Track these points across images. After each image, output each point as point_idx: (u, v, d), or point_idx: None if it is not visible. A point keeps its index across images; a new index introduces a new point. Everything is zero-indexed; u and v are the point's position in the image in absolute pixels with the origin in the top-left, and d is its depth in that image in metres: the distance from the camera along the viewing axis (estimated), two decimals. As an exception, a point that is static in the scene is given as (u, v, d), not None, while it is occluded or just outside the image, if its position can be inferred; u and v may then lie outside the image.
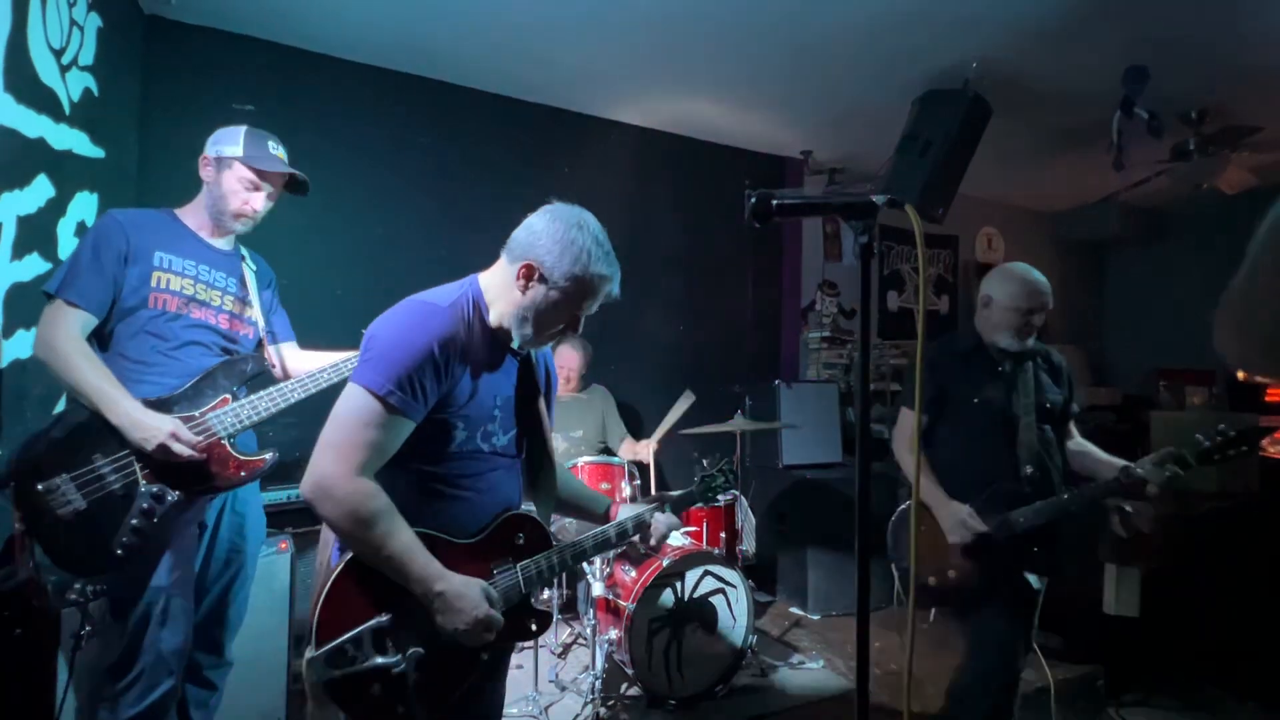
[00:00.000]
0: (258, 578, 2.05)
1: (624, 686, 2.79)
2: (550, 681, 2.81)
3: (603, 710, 2.58)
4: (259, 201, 1.88)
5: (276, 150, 1.90)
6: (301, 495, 1.17)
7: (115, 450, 1.61)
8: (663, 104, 3.88)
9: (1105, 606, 2.93)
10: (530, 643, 2.74)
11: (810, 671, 3.07)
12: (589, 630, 2.69)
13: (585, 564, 2.62)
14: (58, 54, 2.07)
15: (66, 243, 2.14)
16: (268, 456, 1.80)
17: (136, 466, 1.63)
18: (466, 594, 1.21)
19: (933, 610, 2.17)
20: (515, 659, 2.35)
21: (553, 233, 1.27)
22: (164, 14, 2.91)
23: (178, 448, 1.62)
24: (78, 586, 1.62)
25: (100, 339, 1.71)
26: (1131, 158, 3.58)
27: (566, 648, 3.18)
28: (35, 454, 1.56)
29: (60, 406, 1.98)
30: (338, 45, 3.24)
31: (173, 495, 1.66)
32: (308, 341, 2.15)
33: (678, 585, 2.66)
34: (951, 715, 2.04)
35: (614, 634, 2.65)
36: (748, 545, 3.41)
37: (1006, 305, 2.00)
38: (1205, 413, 4.35)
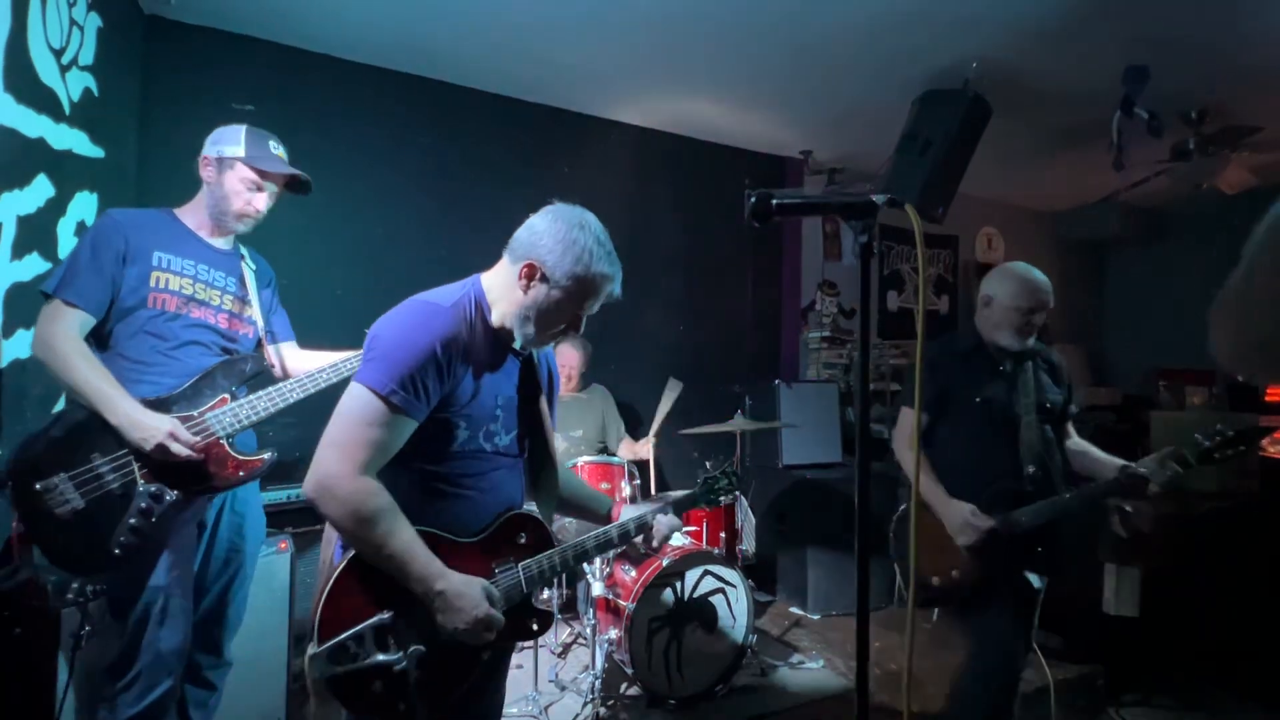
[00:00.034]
0: (258, 577, 2.05)
1: (624, 686, 2.79)
2: (550, 681, 2.81)
3: (602, 710, 2.58)
4: (262, 202, 1.89)
5: (277, 150, 1.90)
6: (304, 493, 1.18)
7: (114, 450, 1.61)
8: (663, 104, 3.88)
9: (1105, 606, 2.93)
10: (530, 642, 2.74)
11: (810, 671, 3.07)
12: (589, 630, 2.70)
13: (585, 564, 2.62)
14: (58, 54, 2.07)
15: (66, 242, 2.13)
16: (266, 456, 1.80)
17: (135, 466, 1.63)
18: (467, 593, 1.21)
19: (935, 610, 2.17)
20: (515, 658, 2.34)
21: (554, 232, 1.28)
22: (164, 14, 2.91)
23: (176, 447, 1.61)
24: (75, 586, 1.63)
25: (99, 339, 1.71)
26: (1131, 157, 3.58)
27: (566, 647, 3.18)
28: (34, 453, 1.56)
29: (60, 406, 1.98)
30: (338, 45, 3.24)
31: (171, 495, 1.66)
32: (308, 341, 2.15)
33: (677, 585, 2.66)
34: (952, 714, 2.04)
35: (614, 634, 2.65)
36: (748, 545, 3.42)
37: (1008, 304, 2.00)
38: (1205, 413, 4.35)
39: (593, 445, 3.40)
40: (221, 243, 1.91)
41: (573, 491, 1.61)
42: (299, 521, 2.54)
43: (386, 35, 3.11)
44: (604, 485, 2.99)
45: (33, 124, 1.94)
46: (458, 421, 1.27)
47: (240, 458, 1.76)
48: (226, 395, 1.77)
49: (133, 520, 1.61)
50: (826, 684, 2.95)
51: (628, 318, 3.93)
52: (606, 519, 1.59)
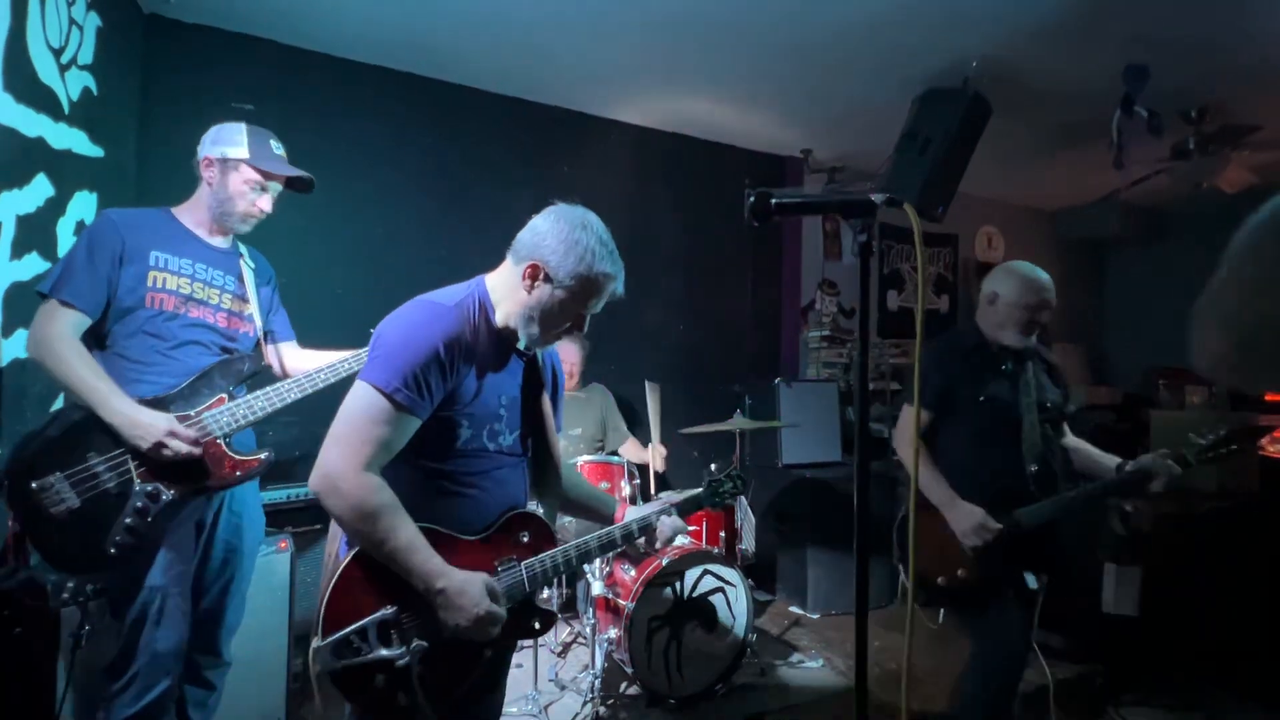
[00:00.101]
0: (257, 577, 2.05)
1: (623, 685, 2.80)
2: (550, 680, 2.82)
3: (602, 709, 2.58)
4: (267, 203, 1.89)
5: (278, 149, 1.91)
6: (309, 488, 1.20)
7: (110, 449, 1.61)
8: (663, 103, 3.88)
9: (1105, 606, 2.94)
10: (530, 641, 2.74)
11: (809, 670, 3.07)
12: (588, 629, 2.70)
13: (586, 563, 2.62)
14: (57, 53, 2.07)
15: (66, 242, 2.14)
16: (263, 456, 1.80)
17: (131, 465, 1.63)
18: (467, 591, 1.22)
19: (941, 611, 2.17)
20: (515, 657, 2.34)
21: (557, 233, 1.30)
22: (163, 13, 2.91)
23: (176, 444, 1.61)
24: (71, 585, 1.63)
25: (98, 339, 1.71)
26: (1131, 156, 3.57)
27: (566, 647, 3.18)
28: (30, 452, 1.56)
29: (58, 405, 1.98)
30: (338, 44, 3.23)
31: (168, 494, 1.66)
32: (307, 341, 2.15)
33: (677, 584, 2.66)
34: (953, 714, 2.04)
35: (613, 633, 2.65)
36: (747, 544, 3.41)
37: (1014, 302, 1.99)
38: (1205, 412, 4.35)
39: (591, 444, 3.40)
40: (220, 241, 1.91)
41: (578, 492, 1.62)
42: (299, 521, 2.54)
43: (387, 34, 3.10)
44: (603, 485, 2.99)
45: (32, 123, 1.94)
46: (461, 420, 1.28)
47: (237, 457, 1.76)
48: (224, 395, 1.77)
49: (129, 520, 1.61)
50: (826, 683, 2.95)
51: (628, 318, 3.93)
52: (610, 520, 1.59)
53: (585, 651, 2.95)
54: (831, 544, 3.76)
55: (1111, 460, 2.07)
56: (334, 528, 1.35)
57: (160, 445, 1.60)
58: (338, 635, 1.18)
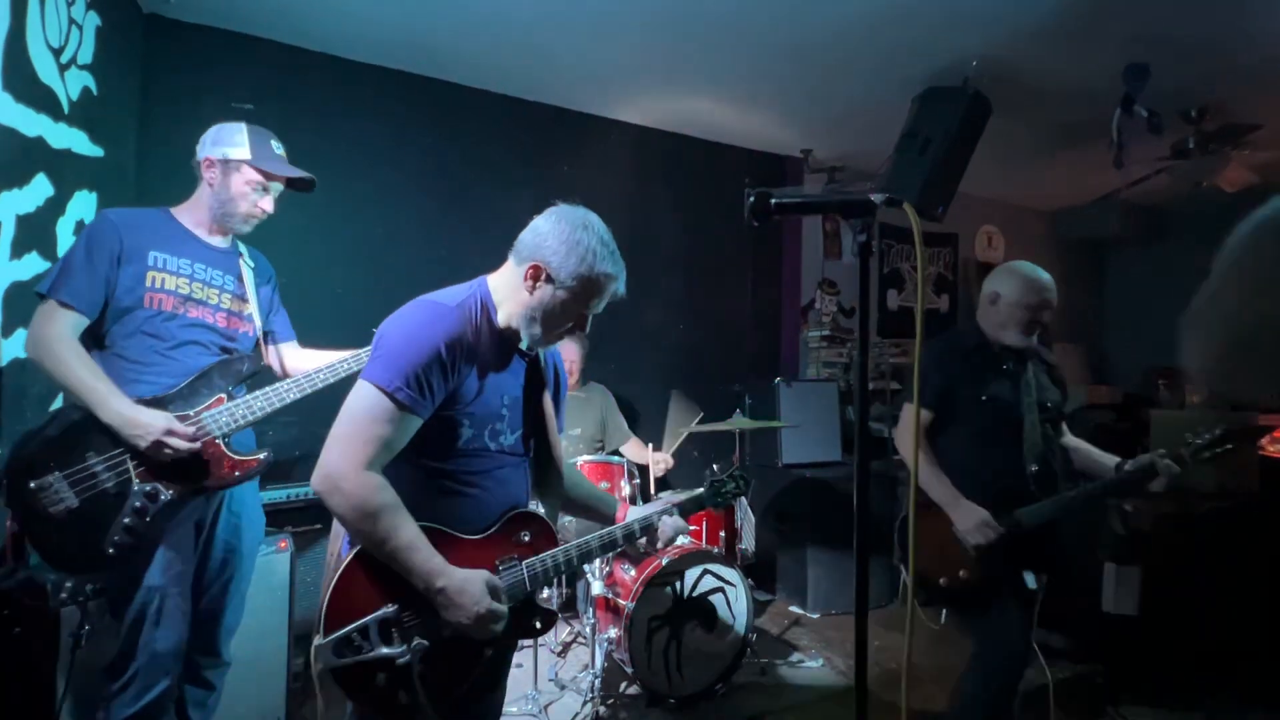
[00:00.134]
0: (257, 577, 2.05)
1: (623, 685, 2.80)
2: (550, 680, 2.82)
3: (602, 709, 2.58)
4: (269, 204, 1.90)
5: (279, 150, 1.91)
6: (311, 486, 1.20)
7: (109, 449, 1.61)
8: (663, 103, 3.88)
9: (1105, 606, 2.94)
10: (530, 641, 2.74)
11: (809, 670, 3.07)
12: (588, 629, 2.70)
13: (587, 563, 2.62)
14: (56, 53, 2.07)
15: (65, 242, 2.14)
16: (262, 456, 1.80)
17: (130, 465, 1.63)
18: (468, 589, 1.22)
19: (943, 612, 2.17)
20: (515, 657, 2.34)
21: (559, 234, 1.30)
22: (163, 12, 2.91)
23: (173, 443, 1.61)
24: (70, 585, 1.63)
25: (97, 339, 1.71)
26: (1131, 156, 3.57)
27: (566, 646, 3.18)
28: (29, 452, 1.57)
29: (58, 404, 1.98)
30: (338, 44, 3.23)
31: (166, 494, 1.66)
32: (307, 340, 2.15)
33: (677, 584, 2.66)
34: (953, 713, 2.04)
35: (613, 632, 2.65)
36: (747, 544, 3.42)
37: (1016, 302, 1.99)
38: (1205, 412, 4.34)
39: (591, 445, 3.40)
40: (220, 241, 1.91)
41: (579, 492, 1.63)
42: (299, 521, 2.54)
43: (387, 34, 3.10)
44: (603, 484, 2.99)
45: (32, 123, 1.94)
46: (462, 420, 1.29)
47: (236, 457, 1.76)
48: (223, 395, 1.77)
49: (127, 520, 1.61)
50: (826, 683, 2.95)
51: (628, 318, 3.93)
52: (612, 520, 1.60)
53: (585, 651, 2.95)
54: (831, 544, 3.75)
55: (1110, 460, 2.08)
56: (336, 526, 1.36)
57: (158, 444, 1.60)
58: (339, 633, 1.19)
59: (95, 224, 1.73)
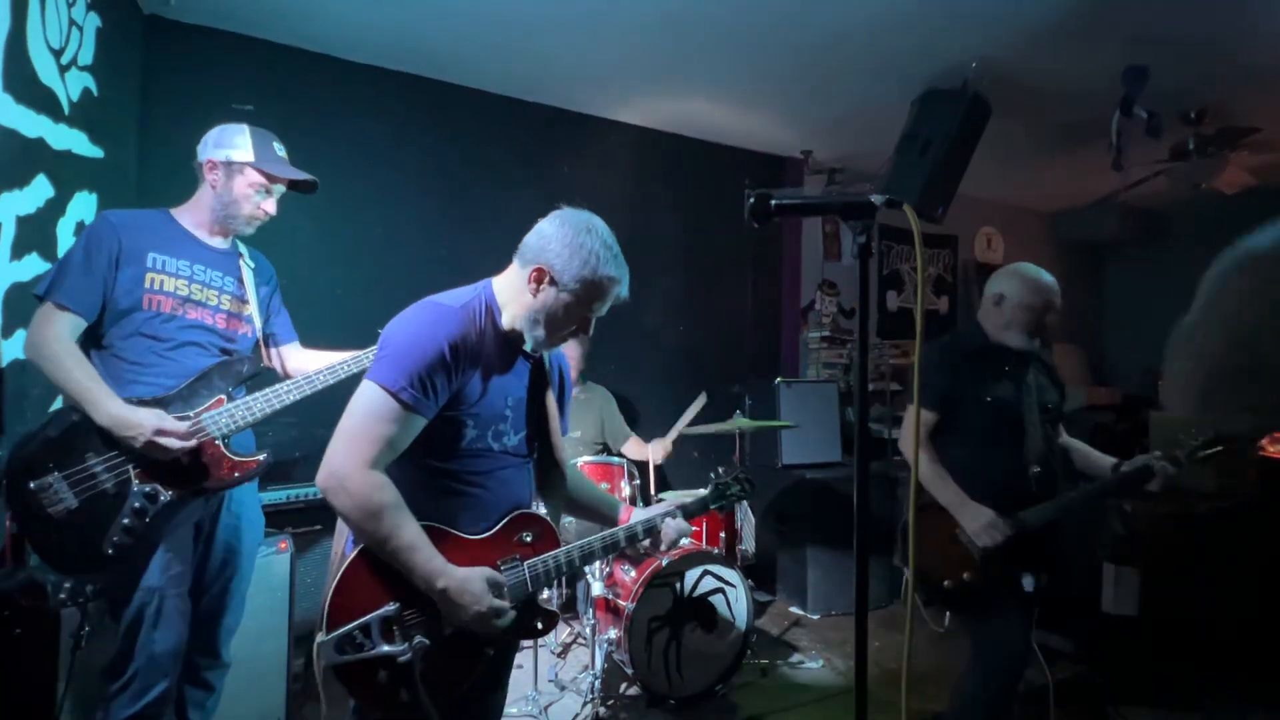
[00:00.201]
0: (257, 578, 2.05)
1: (623, 686, 2.80)
2: (550, 681, 2.82)
3: (602, 710, 2.58)
4: (272, 206, 1.90)
5: (281, 152, 1.91)
6: (316, 484, 1.22)
7: (108, 449, 1.61)
8: (663, 104, 3.88)
9: (1105, 606, 2.94)
10: (530, 641, 2.74)
11: (810, 671, 3.07)
12: (589, 630, 2.70)
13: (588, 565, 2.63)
14: (57, 54, 2.07)
15: (66, 243, 2.13)
16: (261, 457, 1.80)
17: (129, 466, 1.63)
18: (469, 589, 1.23)
19: (947, 613, 2.17)
20: (515, 658, 2.35)
21: (562, 237, 1.31)
22: (163, 13, 2.91)
23: (167, 442, 1.61)
24: (69, 586, 1.63)
25: (96, 340, 1.71)
26: (1130, 158, 3.58)
27: (566, 647, 3.18)
28: (28, 452, 1.57)
29: (58, 405, 1.98)
30: (338, 45, 3.23)
31: (165, 495, 1.66)
32: (307, 340, 2.15)
33: (677, 585, 2.66)
34: (952, 714, 2.04)
35: (613, 633, 2.65)
36: (747, 544, 3.42)
37: (1020, 304, 2.00)
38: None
39: (591, 446, 3.40)
40: (220, 242, 1.91)
41: (582, 493, 1.63)
42: (299, 521, 2.54)
43: (387, 35, 3.11)
44: (603, 485, 2.99)
45: (32, 124, 1.94)
46: (466, 420, 1.30)
47: (235, 458, 1.76)
48: (223, 396, 1.77)
49: (126, 520, 1.61)
50: (826, 683, 2.95)
51: (628, 318, 3.92)
52: (614, 522, 1.60)
53: (585, 652, 2.95)
54: (831, 544, 3.76)
55: (1107, 460, 2.09)
56: (340, 525, 1.37)
57: (152, 444, 1.60)
58: (341, 630, 1.20)
59: (94, 226, 1.73)
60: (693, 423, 3.35)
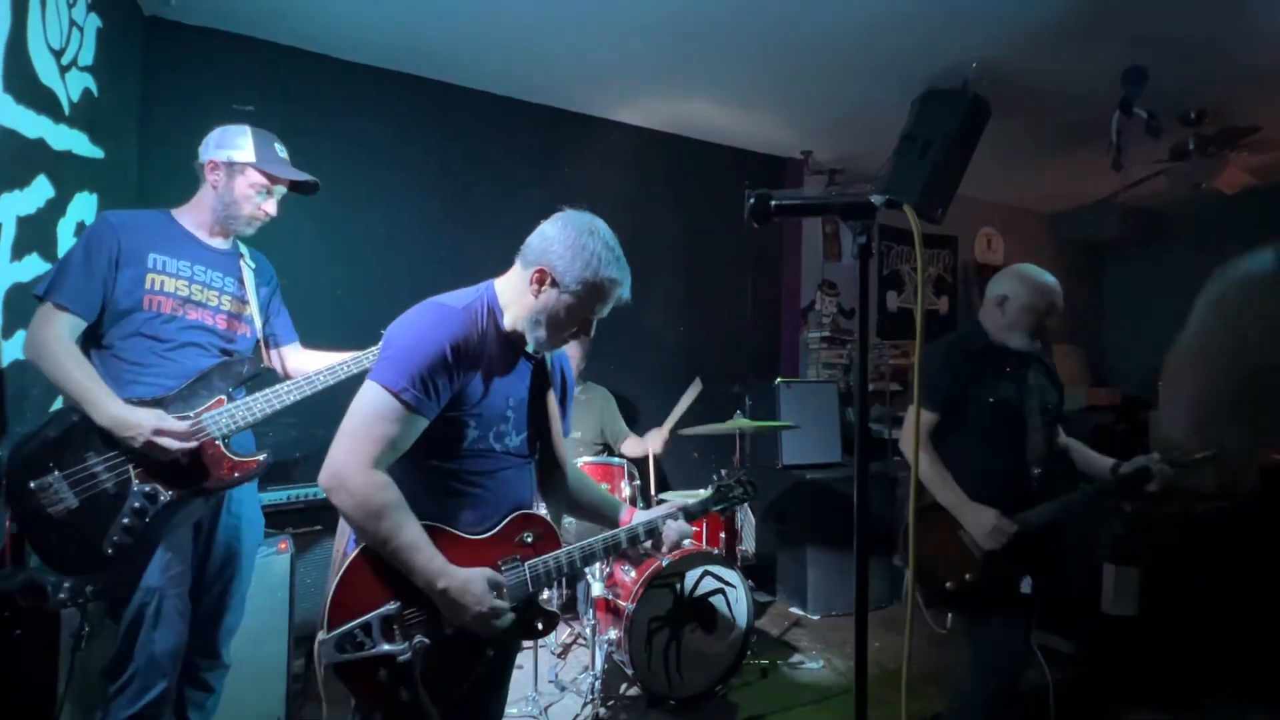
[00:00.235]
0: (257, 578, 2.05)
1: (624, 686, 2.80)
2: (550, 681, 2.82)
3: (602, 710, 2.58)
4: (272, 206, 1.90)
5: (282, 153, 1.91)
6: (319, 484, 1.22)
7: (108, 449, 1.61)
8: (663, 104, 3.88)
9: (1104, 606, 2.94)
10: (530, 642, 2.74)
11: (810, 671, 3.07)
12: (589, 630, 2.70)
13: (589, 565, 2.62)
14: (57, 54, 2.08)
15: (66, 243, 2.14)
16: (261, 458, 1.80)
17: (129, 466, 1.63)
18: (469, 589, 1.23)
19: (949, 615, 2.17)
20: (515, 658, 2.36)
21: (564, 239, 1.32)
22: (164, 14, 2.91)
23: (164, 442, 1.61)
24: (69, 586, 1.63)
25: (96, 341, 1.71)
26: (1130, 158, 3.58)
27: (566, 648, 3.18)
28: (28, 452, 1.57)
29: (59, 405, 1.98)
30: (338, 46, 3.24)
31: (165, 495, 1.66)
32: (308, 340, 2.15)
33: (677, 585, 2.66)
34: (951, 714, 2.04)
35: (614, 634, 2.65)
36: (747, 545, 3.42)
37: (1023, 305, 2.00)
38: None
39: (590, 446, 3.40)
40: (220, 243, 1.91)
41: (584, 494, 1.64)
42: (299, 522, 2.54)
43: (387, 35, 3.11)
44: (604, 485, 2.98)
45: (32, 125, 1.94)
46: (468, 420, 1.31)
47: (236, 459, 1.76)
48: (223, 396, 1.77)
49: (126, 520, 1.61)
50: (826, 684, 2.95)
51: (628, 318, 3.92)
52: (616, 523, 1.60)
53: (585, 653, 2.95)
54: (831, 545, 3.76)
55: (1105, 461, 2.09)
56: (342, 524, 1.37)
57: (151, 443, 1.60)
58: (342, 629, 1.20)
59: (94, 226, 1.73)
60: (693, 423, 3.34)
